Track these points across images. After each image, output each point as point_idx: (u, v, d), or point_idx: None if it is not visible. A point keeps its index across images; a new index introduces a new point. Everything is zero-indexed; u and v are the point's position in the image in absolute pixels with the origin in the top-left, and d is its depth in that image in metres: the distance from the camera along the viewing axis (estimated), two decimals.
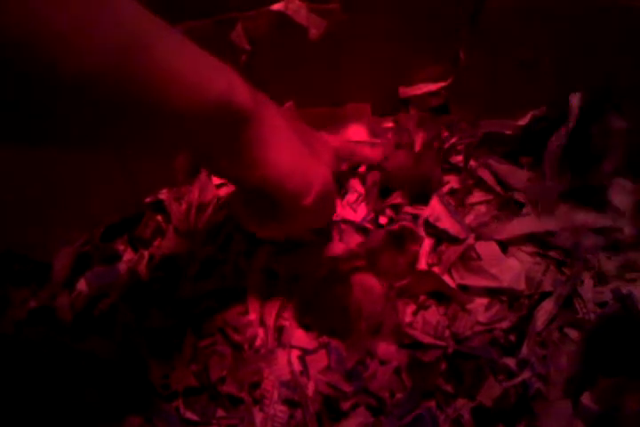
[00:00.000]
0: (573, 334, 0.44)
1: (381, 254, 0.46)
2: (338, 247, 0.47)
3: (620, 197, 0.50)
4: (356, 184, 0.53)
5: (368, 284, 0.44)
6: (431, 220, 0.48)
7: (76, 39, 0.21)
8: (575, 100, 0.48)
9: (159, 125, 0.27)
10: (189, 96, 0.27)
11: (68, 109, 0.23)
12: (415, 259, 0.47)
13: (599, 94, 0.48)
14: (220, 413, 0.42)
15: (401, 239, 0.46)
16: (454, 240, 0.48)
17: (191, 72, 0.27)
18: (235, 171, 0.34)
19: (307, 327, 0.46)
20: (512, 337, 0.44)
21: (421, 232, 0.48)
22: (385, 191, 0.51)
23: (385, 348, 0.44)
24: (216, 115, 0.29)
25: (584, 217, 0.49)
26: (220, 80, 0.29)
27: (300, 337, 0.45)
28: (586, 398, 0.40)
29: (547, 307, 0.45)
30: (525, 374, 0.42)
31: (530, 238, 0.48)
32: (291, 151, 0.34)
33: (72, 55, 0.21)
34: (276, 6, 0.44)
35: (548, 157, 0.49)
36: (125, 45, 0.23)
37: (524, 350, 0.43)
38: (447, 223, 0.48)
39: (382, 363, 0.43)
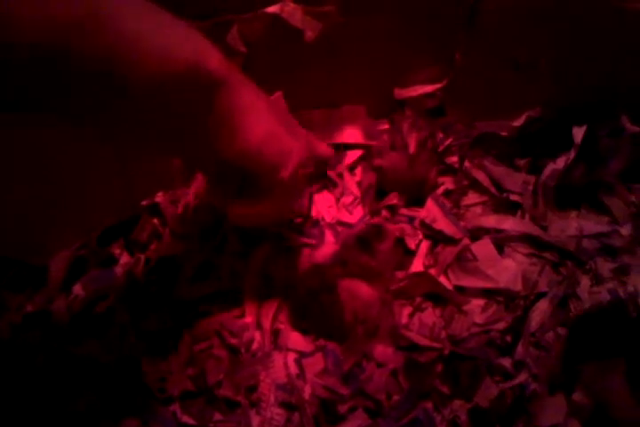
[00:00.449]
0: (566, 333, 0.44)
1: (351, 258, 0.45)
2: (331, 251, 0.47)
3: (615, 202, 0.50)
4: (351, 186, 0.53)
5: (354, 289, 0.44)
6: (427, 221, 0.48)
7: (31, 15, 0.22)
8: (579, 133, 0.48)
9: (133, 95, 0.27)
10: (156, 61, 0.27)
11: (32, 80, 0.24)
12: (388, 258, 0.46)
13: (606, 96, 0.48)
14: (217, 416, 0.42)
15: (366, 241, 0.45)
16: (450, 241, 0.48)
17: (156, 37, 0.27)
18: (214, 146, 0.33)
19: (303, 331, 0.46)
20: (508, 338, 0.44)
21: (419, 234, 0.49)
22: (380, 193, 0.51)
23: (382, 350, 0.44)
24: (187, 80, 0.28)
25: (581, 221, 0.50)
26: (187, 44, 0.28)
27: (296, 340, 0.45)
28: (577, 395, 0.41)
29: (541, 307, 0.45)
30: (522, 376, 0.42)
31: (525, 238, 0.49)
32: (267, 120, 0.34)
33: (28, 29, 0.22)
34: (271, 9, 0.44)
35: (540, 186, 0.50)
36: (84, 14, 0.24)
37: (519, 350, 0.43)
38: (443, 224, 0.48)
39: (379, 365, 0.43)
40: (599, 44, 0.46)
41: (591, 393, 0.40)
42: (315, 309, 0.44)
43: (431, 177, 0.50)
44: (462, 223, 0.49)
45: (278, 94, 0.49)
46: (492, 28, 0.47)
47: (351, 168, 0.54)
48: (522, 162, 0.52)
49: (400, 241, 0.48)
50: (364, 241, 0.45)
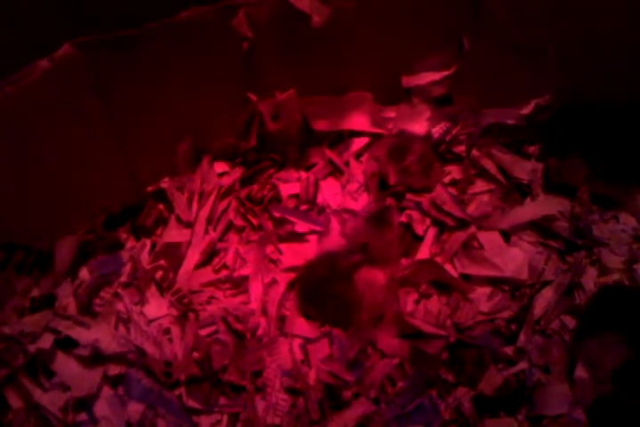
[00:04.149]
0: (571, 322, 0.44)
1: (370, 241, 0.45)
2: (338, 239, 0.47)
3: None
4: (357, 173, 0.53)
5: (372, 277, 0.44)
6: (437, 202, 0.48)
7: None
8: None
9: None
10: None
11: None
12: (404, 231, 0.47)
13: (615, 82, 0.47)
14: (223, 401, 0.43)
15: (380, 219, 0.46)
16: (457, 227, 0.48)
17: None
18: None
19: (309, 317, 0.46)
20: (514, 327, 0.44)
21: (427, 220, 0.49)
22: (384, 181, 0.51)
23: (387, 341, 0.44)
24: None
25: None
26: None
27: (301, 326, 0.45)
28: (579, 370, 0.41)
29: (546, 295, 0.45)
30: (523, 364, 0.42)
31: (532, 226, 0.48)
32: None
33: None
34: None
35: None
36: None
37: (521, 338, 0.43)
38: (451, 208, 0.48)
39: (384, 356, 0.43)
40: (608, 29, 0.46)
41: (591, 368, 0.40)
42: (323, 296, 0.44)
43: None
44: (469, 210, 0.49)
45: (291, 92, 0.49)
46: (500, 15, 0.47)
47: (357, 155, 0.54)
48: (530, 150, 0.52)
49: (407, 227, 0.48)
50: (379, 218, 0.46)
